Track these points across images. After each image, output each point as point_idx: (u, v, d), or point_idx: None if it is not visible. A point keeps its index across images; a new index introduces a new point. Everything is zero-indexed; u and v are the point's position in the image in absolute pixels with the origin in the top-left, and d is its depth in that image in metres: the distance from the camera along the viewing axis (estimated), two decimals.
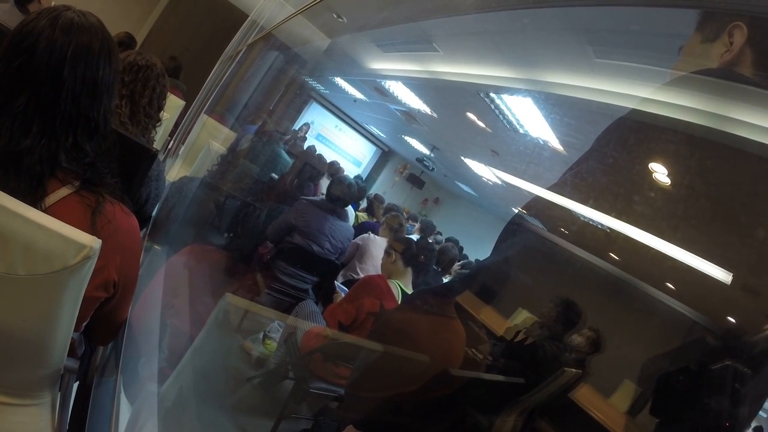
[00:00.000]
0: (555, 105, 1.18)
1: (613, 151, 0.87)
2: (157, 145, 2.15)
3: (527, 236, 1.01)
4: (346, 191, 2.01)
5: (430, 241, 1.87)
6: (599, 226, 0.84)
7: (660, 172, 0.80)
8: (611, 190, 0.87)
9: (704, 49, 0.75)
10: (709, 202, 0.75)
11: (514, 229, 1.02)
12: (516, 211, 1.09)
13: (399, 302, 1.47)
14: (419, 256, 1.55)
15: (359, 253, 1.99)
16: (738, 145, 0.71)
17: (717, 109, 0.75)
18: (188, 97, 3.95)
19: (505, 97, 1.33)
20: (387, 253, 1.61)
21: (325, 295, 1.93)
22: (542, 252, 0.96)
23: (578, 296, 0.90)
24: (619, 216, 0.82)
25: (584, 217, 0.88)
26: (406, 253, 1.53)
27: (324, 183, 2.43)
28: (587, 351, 0.86)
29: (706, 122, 0.76)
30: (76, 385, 1.14)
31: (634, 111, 0.88)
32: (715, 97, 0.77)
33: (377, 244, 1.94)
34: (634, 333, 0.81)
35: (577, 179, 0.91)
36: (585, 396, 0.84)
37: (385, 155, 2.77)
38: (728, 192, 0.73)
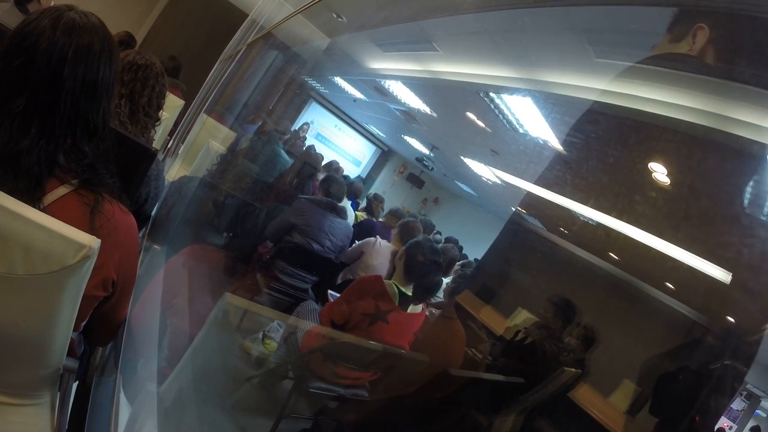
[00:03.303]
0: (555, 104, 1.18)
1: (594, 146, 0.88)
2: (156, 144, 2.15)
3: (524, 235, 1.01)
4: (339, 184, 2.02)
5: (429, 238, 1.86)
6: (591, 223, 0.84)
7: (659, 172, 0.80)
8: (609, 188, 0.87)
9: (670, 48, 0.79)
10: (710, 201, 0.75)
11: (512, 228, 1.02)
12: (514, 210, 1.09)
13: (396, 303, 1.46)
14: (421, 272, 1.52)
15: (363, 260, 1.97)
16: (732, 142, 0.71)
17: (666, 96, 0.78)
18: (188, 97, 3.94)
19: (505, 96, 1.32)
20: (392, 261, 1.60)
21: (324, 294, 1.92)
22: (542, 251, 0.96)
23: (578, 296, 0.90)
24: (618, 215, 0.82)
25: (580, 214, 0.88)
26: (409, 264, 1.51)
27: None
28: (583, 349, 0.86)
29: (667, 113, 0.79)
30: (75, 384, 1.14)
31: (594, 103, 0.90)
32: (662, 84, 0.80)
33: (381, 253, 1.92)
34: (634, 333, 0.81)
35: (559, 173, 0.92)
36: (584, 395, 0.84)
37: (384, 155, 2.77)
38: (727, 190, 0.73)
